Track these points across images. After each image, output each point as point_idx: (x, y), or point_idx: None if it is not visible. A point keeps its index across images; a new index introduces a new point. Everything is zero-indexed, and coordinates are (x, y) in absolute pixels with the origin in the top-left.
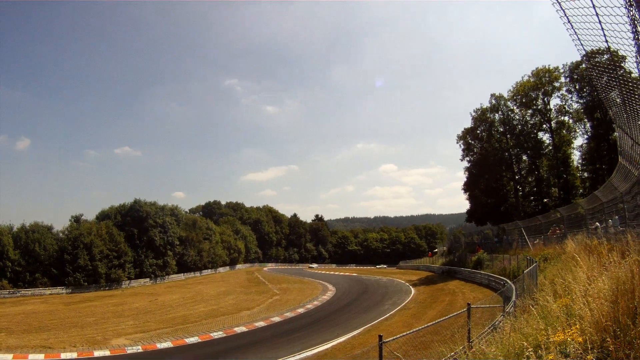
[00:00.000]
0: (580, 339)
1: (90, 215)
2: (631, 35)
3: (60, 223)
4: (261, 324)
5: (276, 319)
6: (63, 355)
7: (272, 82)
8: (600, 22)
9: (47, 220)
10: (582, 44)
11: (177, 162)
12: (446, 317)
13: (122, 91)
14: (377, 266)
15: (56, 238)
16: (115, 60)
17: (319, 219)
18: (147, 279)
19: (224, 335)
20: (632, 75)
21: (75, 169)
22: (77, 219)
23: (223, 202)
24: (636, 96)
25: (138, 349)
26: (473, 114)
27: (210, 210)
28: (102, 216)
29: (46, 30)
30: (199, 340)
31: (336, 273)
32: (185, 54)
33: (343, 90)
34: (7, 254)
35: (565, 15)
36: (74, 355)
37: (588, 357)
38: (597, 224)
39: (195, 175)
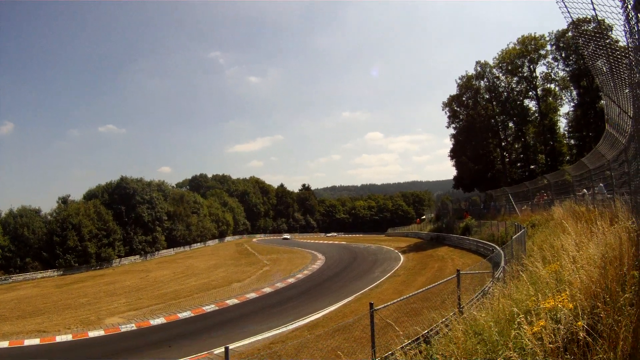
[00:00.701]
0: (570, 305)
1: (77, 195)
2: (619, 4)
3: (48, 205)
4: (252, 295)
5: (267, 289)
6: (58, 338)
7: (255, 52)
8: None
9: (35, 203)
10: (568, 12)
11: (162, 137)
12: (436, 283)
13: (103, 68)
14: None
15: (44, 221)
16: (95, 37)
17: (306, 188)
18: (138, 256)
19: (217, 308)
20: (619, 44)
21: (60, 150)
22: (64, 200)
23: (209, 175)
24: (623, 65)
25: (132, 326)
26: (458, 81)
27: (197, 183)
28: (89, 195)
29: (21, 10)
30: (192, 315)
31: (325, 242)
32: (167, 28)
33: (326, 58)
34: None
35: None
36: (69, 337)
37: (579, 323)
38: (585, 190)
39: (181, 149)
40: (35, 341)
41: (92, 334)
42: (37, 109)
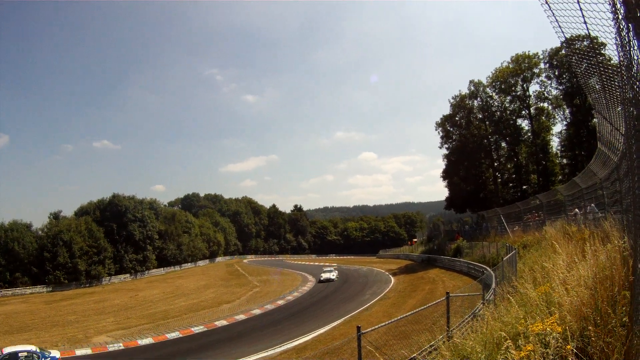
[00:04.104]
0: (559, 329)
1: (69, 211)
2: (612, 23)
3: (39, 220)
4: (242, 317)
5: (257, 311)
6: None
7: (252, 69)
8: (580, 7)
9: (26, 217)
10: (561, 30)
11: (157, 155)
12: (425, 306)
13: (100, 82)
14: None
15: (35, 236)
16: (93, 51)
17: (297, 209)
18: (128, 275)
19: (205, 329)
20: (612, 62)
21: (54, 164)
22: (56, 216)
23: (202, 194)
24: (615, 83)
25: (119, 346)
26: (452, 100)
27: (190, 202)
28: (81, 212)
29: (18, 23)
30: (180, 335)
31: (315, 264)
32: (165, 43)
33: (322, 74)
34: None
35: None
36: (57, 354)
37: (568, 346)
38: (577, 210)
39: (175, 167)
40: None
41: (79, 352)
42: (32, 122)
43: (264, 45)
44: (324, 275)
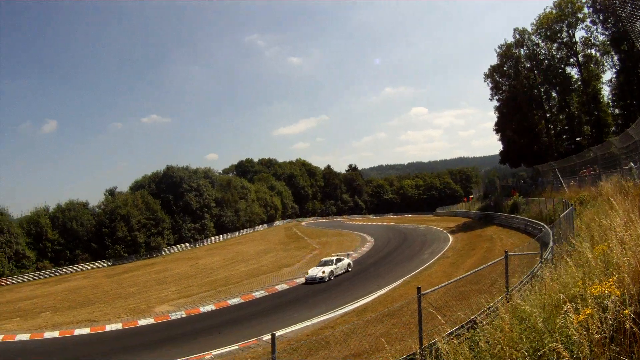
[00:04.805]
0: (617, 292)
1: (124, 187)
2: None
3: (96, 199)
4: (302, 280)
5: None
6: (108, 327)
7: (293, 32)
8: None
9: (82, 198)
10: None
11: (207, 125)
12: (484, 266)
13: (141, 60)
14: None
15: (93, 213)
16: (131, 29)
17: (352, 168)
18: (187, 244)
19: (266, 294)
20: None
21: (105, 143)
22: (111, 192)
23: (255, 160)
24: None
25: (182, 314)
26: (498, 50)
27: (244, 169)
28: (136, 186)
29: (57, 8)
30: (242, 301)
31: (373, 224)
32: (202, 14)
33: (365, 33)
34: (46, 235)
35: None
36: (119, 326)
37: (625, 311)
38: (632, 164)
39: (227, 135)
40: (86, 330)
41: (142, 322)
42: (78, 106)
43: (304, 7)
44: (312, 273)
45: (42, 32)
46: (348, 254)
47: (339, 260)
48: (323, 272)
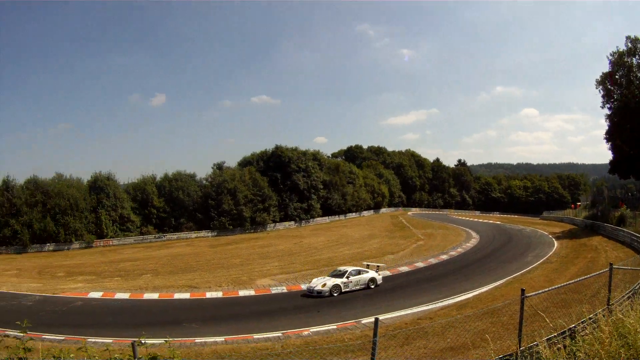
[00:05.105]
0: None
1: (231, 162)
2: None
3: (202, 172)
4: (405, 268)
5: (420, 264)
6: (208, 294)
7: (403, 26)
8: None
9: (190, 169)
10: None
11: (316, 109)
12: (587, 276)
13: (253, 42)
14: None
15: (200, 185)
16: (245, 10)
17: (461, 163)
18: (292, 222)
19: None
20: None
21: (213, 120)
22: (219, 166)
23: (365, 147)
24: None
25: (283, 289)
26: (610, 57)
27: (352, 154)
28: (244, 163)
29: None
30: None
31: (479, 220)
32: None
33: (477, 30)
34: (152, 202)
35: None
36: (219, 294)
37: None
38: None
39: (336, 121)
40: (185, 295)
41: (243, 293)
42: (189, 82)
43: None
44: (313, 283)
45: (158, 11)
46: (378, 266)
47: (358, 272)
48: (324, 284)
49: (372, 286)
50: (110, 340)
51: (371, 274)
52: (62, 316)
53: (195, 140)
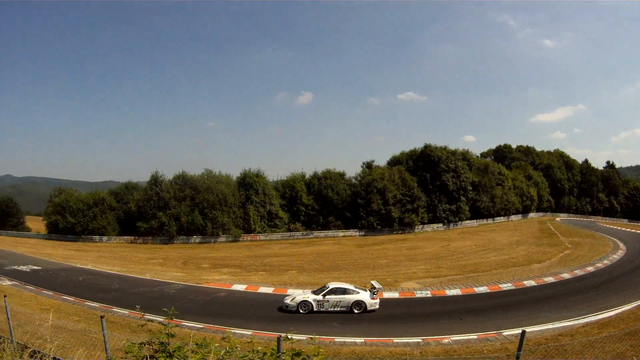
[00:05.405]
0: None
1: (380, 161)
2: None
3: (352, 170)
4: (550, 279)
5: (566, 275)
6: None
7: (543, 13)
8: None
9: (339, 167)
10: None
11: (462, 105)
12: None
13: (395, 37)
14: None
15: (349, 184)
16: (386, 6)
17: (610, 166)
18: (440, 224)
19: (513, 287)
20: None
21: (360, 117)
22: (369, 165)
23: (513, 146)
24: None
25: (427, 293)
26: None
27: (501, 154)
28: (393, 161)
29: None
30: (488, 291)
31: (629, 230)
32: None
33: (621, 18)
34: (301, 199)
35: None
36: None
37: None
38: None
39: (483, 117)
40: None
41: (386, 295)
42: (335, 80)
43: None
44: (288, 298)
45: (303, 9)
46: (374, 288)
47: (344, 292)
48: (293, 298)
49: (357, 311)
50: (250, 332)
51: (359, 296)
52: (204, 306)
53: (342, 138)
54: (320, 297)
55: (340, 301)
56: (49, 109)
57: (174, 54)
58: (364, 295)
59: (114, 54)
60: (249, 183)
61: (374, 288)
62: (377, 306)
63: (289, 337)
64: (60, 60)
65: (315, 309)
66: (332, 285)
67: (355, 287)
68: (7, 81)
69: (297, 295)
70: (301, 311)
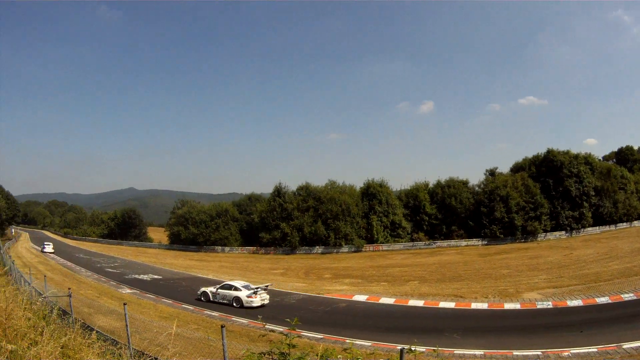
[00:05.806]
0: None
1: (504, 168)
2: None
3: (474, 178)
4: None
5: None
6: (473, 305)
7: None
8: None
9: (462, 176)
10: None
11: (583, 108)
12: None
13: (511, 42)
14: None
15: (472, 192)
16: (505, 7)
17: None
18: (562, 232)
19: (635, 297)
20: None
21: (483, 124)
22: (492, 172)
23: (635, 147)
24: None
25: (549, 304)
26: None
27: (623, 156)
28: (516, 168)
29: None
30: (609, 301)
31: None
32: None
33: None
34: (424, 209)
35: None
36: (485, 305)
37: None
38: None
39: (604, 119)
40: (451, 305)
41: (508, 305)
42: (455, 88)
43: None
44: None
45: (421, 22)
46: (267, 286)
47: (229, 288)
48: (201, 290)
49: (236, 305)
50: (370, 343)
51: (238, 293)
52: (324, 315)
53: (466, 145)
54: (214, 289)
55: (226, 295)
56: (177, 128)
57: (299, 69)
58: (242, 294)
59: (243, 71)
60: (372, 193)
61: (263, 289)
62: (258, 304)
63: (412, 348)
64: (183, 80)
65: (212, 299)
66: (227, 282)
67: (245, 285)
68: (135, 105)
69: (204, 288)
70: (202, 299)
